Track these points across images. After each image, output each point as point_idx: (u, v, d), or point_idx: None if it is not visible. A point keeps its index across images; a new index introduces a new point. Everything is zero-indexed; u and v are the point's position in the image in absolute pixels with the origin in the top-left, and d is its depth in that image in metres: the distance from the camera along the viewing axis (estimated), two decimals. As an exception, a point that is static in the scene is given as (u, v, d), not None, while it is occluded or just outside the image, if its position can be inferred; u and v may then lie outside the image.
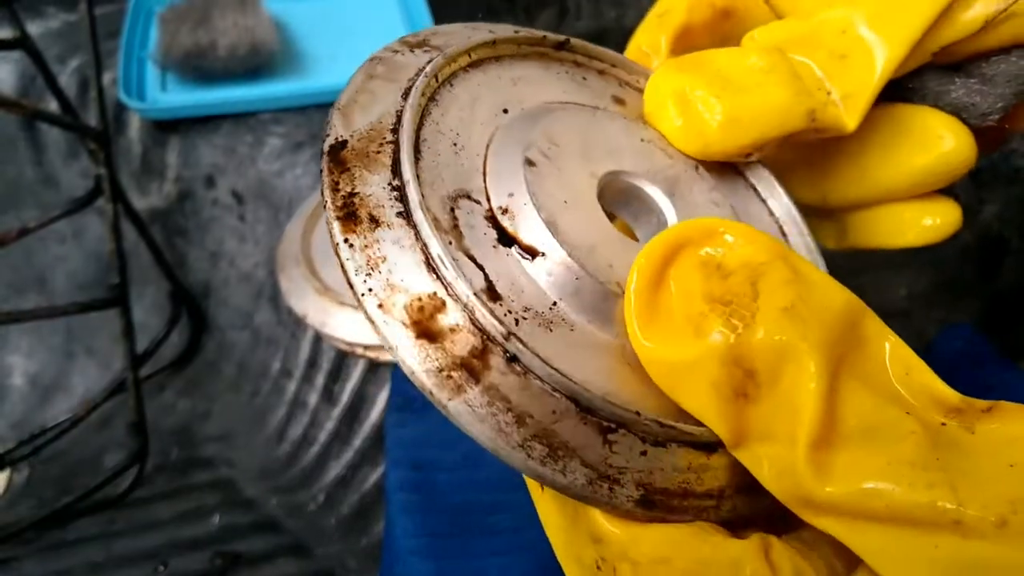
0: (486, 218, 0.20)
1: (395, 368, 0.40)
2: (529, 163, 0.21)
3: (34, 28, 0.56)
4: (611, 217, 0.22)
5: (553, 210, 0.21)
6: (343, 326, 0.40)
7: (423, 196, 0.19)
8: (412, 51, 0.23)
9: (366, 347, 0.39)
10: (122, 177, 0.54)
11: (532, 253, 0.20)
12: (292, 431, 0.49)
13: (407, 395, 0.40)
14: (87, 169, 0.56)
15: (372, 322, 0.17)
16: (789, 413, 0.17)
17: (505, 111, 0.23)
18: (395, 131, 0.20)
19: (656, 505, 0.18)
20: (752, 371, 0.17)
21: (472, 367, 0.17)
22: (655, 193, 0.23)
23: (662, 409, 0.19)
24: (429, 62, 0.22)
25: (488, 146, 0.22)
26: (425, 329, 0.17)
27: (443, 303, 0.18)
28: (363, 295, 0.17)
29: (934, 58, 0.22)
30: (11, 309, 0.49)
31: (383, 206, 0.19)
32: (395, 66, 0.23)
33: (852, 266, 0.70)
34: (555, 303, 0.20)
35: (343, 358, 0.46)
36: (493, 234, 0.20)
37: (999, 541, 0.15)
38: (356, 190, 0.19)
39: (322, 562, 0.44)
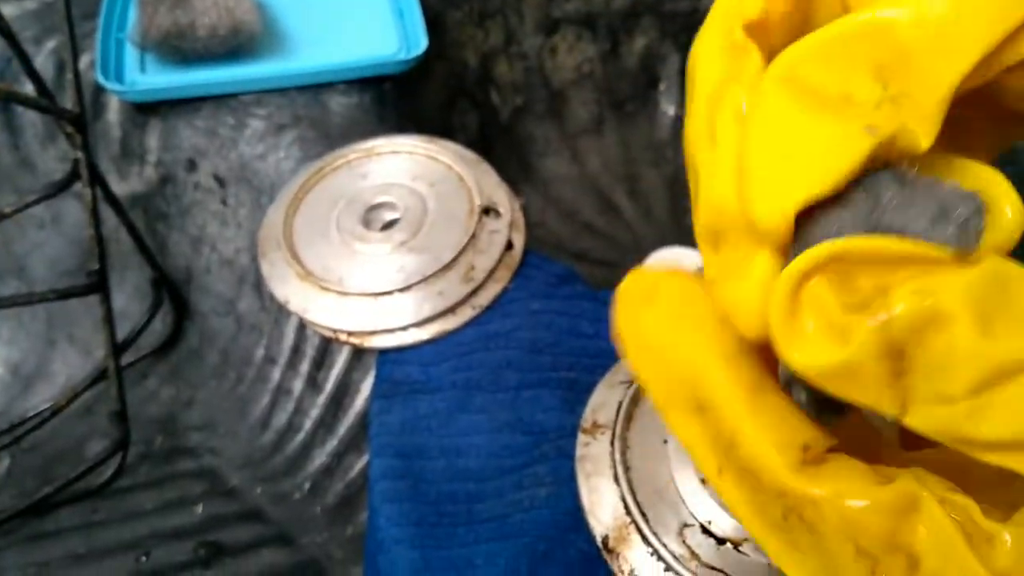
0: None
1: (380, 354, 0.40)
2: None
3: (9, 9, 0.55)
4: None
5: None
6: (326, 311, 0.39)
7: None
8: None
9: (350, 333, 0.39)
10: (101, 161, 0.53)
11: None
12: (276, 419, 0.48)
13: (393, 381, 0.39)
14: (65, 153, 0.54)
15: None
16: (944, 371, 0.17)
17: None
18: None
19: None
20: (901, 351, 0.17)
21: None
22: None
23: None
24: None
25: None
26: None
27: None
28: None
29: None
30: (-13, 296, 0.48)
31: None
32: None
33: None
34: None
35: (327, 344, 0.45)
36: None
37: None
38: None
39: (307, 552, 0.43)
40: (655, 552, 0.29)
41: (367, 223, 0.42)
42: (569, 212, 0.73)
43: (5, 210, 0.43)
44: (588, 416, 0.35)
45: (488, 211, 0.42)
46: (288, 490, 0.46)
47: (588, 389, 0.37)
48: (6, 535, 0.46)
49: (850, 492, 0.18)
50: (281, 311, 0.48)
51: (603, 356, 0.39)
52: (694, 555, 0.29)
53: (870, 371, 0.17)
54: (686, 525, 0.30)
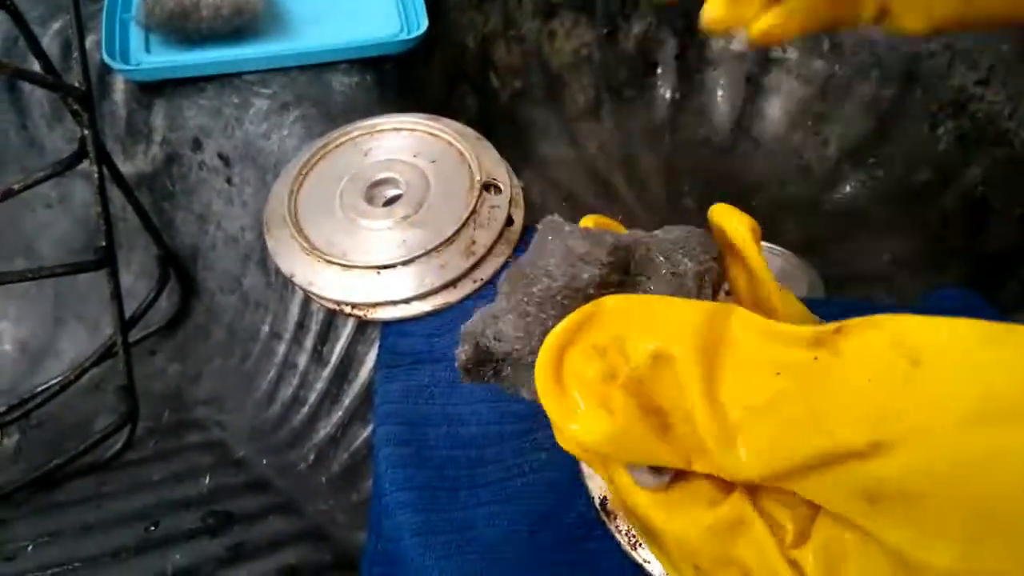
0: None
1: (384, 326, 0.41)
2: None
3: (15, -11, 0.55)
4: None
5: None
6: (330, 285, 0.40)
7: None
8: None
9: (354, 305, 0.40)
10: (107, 141, 0.54)
11: None
12: (282, 392, 0.49)
13: (396, 352, 0.40)
14: (72, 133, 0.55)
15: None
16: (691, 425, 0.19)
17: None
18: None
19: None
20: (658, 407, 0.19)
21: None
22: None
23: None
24: None
25: None
26: None
27: None
28: None
29: None
30: (-3, 272, 0.49)
31: None
32: None
33: (838, 233, 0.70)
34: None
35: (332, 318, 0.46)
36: None
37: (879, 458, 0.16)
38: None
39: (313, 519, 0.44)
40: None
41: (370, 199, 0.43)
42: (567, 195, 0.74)
43: (13, 186, 0.44)
44: None
45: (489, 187, 0.42)
46: (294, 460, 0.47)
47: (586, 359, 0.38)
48: (18, 506, 0.47)
49: (682, 519, 0.20)
50: (286, 287, 0.49)
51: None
52: None
53: (639, 432, 0.19)
54: None
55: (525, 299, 0.24)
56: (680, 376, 0.19)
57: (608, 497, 0.32)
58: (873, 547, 0.17)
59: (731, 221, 0.24)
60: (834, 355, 0.17)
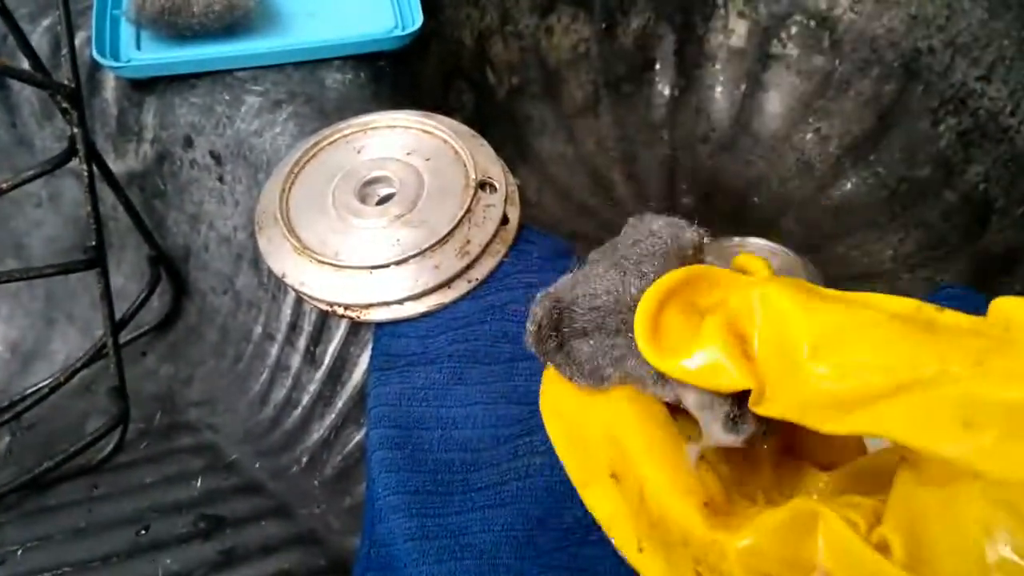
0: None
1: (377, 327, 0.40)
2: None
3: (3, -15, 0.55)
4: None
5: None
6: (322, 285, 0.39)
7: None
8: None
9: (347, 306, 0.39)
10: (98, 139, 0.53)
11: None
12: (275, 394, 0.49)
13: (389, 354, 0.39)
14: (62, 132, 0.55)
15: None
16: (779, 347, 0.20)
17: None
18: None
19: None
20: (743, 334, 0.21)
21: None
22: None
23: None
24: None
25: None
26: None
27: None
28: None
29: None
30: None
31: None
32: None
33: (838, 229, 0.70)
34: None
35: (324, 320, 0.45)
36: None
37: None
38: None
39: (306, 523, 0.44)
40: None
41: (363, 197, 0.42)
42: (565, 192, 0.73)
43: (2, 185, 0.43)
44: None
45: (484, 185, 0.42)
46: (287, 464, 0.46)
47: (582, 360, 0.37)
48: (7, 510, 0.47)
49: (746, 527, 0.20)
50: (279, 288, 0.49)
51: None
52: None
53: (725, 358, 0.21)
54: None
55: (624, 256, 0.25)
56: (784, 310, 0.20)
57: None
58: (961, 494, 0.16)
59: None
60: None
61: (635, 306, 0.23)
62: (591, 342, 0.25)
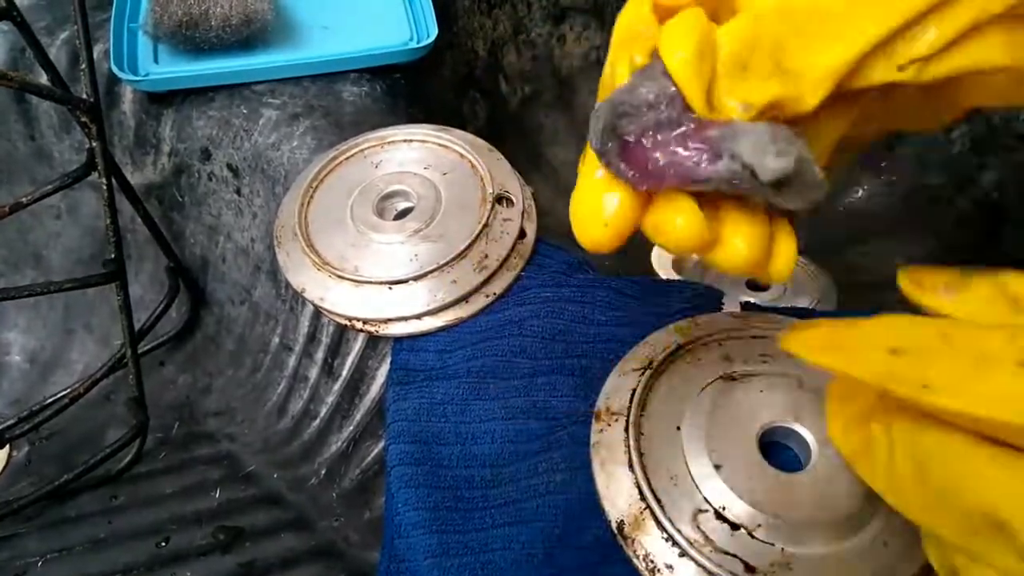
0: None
1: (395, 342, 0.40)
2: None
3: (22, -1, 0.55)
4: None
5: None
6: (341, 300, 0.39)
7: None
8: None
9: (365, 321, 0.39)
10: (116, 152, 0.54)
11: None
12: (293, 406, 0.49)
13: (408, 368, 0.40)
14: (81, 144, 0.55)
15: None
16: None
17: None
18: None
19: None
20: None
21: None
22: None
23: None
24: None
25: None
26: None
27: None
28: None
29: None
30: (6, 285, 0.49)
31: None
32: None
33: (851, 237, 0.69)
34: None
35: (342, 332, 0.46)
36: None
37: None
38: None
39: (324, 536, 0.44)
40: (670, 538, 0.30)
41: (381, 212, 0.42)
42: (578, 200, 0.73)
43: (23, 199, 0.44)
44: (601, 403, 0.36)
45: (501, 200, 0.42)
46: (305, 475, 0.46)
47: (601, 376, 0.37)
48: (28, 521, 0.47)
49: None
50: (296, 299, 0.49)
51: (615, 343, 0.39)
52: (708, 540, 0.29)
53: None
54: (700, 511, 0.30)
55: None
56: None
57: (625, 520, 0.32)
58: None
59: None
60: None
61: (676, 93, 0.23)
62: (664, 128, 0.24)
